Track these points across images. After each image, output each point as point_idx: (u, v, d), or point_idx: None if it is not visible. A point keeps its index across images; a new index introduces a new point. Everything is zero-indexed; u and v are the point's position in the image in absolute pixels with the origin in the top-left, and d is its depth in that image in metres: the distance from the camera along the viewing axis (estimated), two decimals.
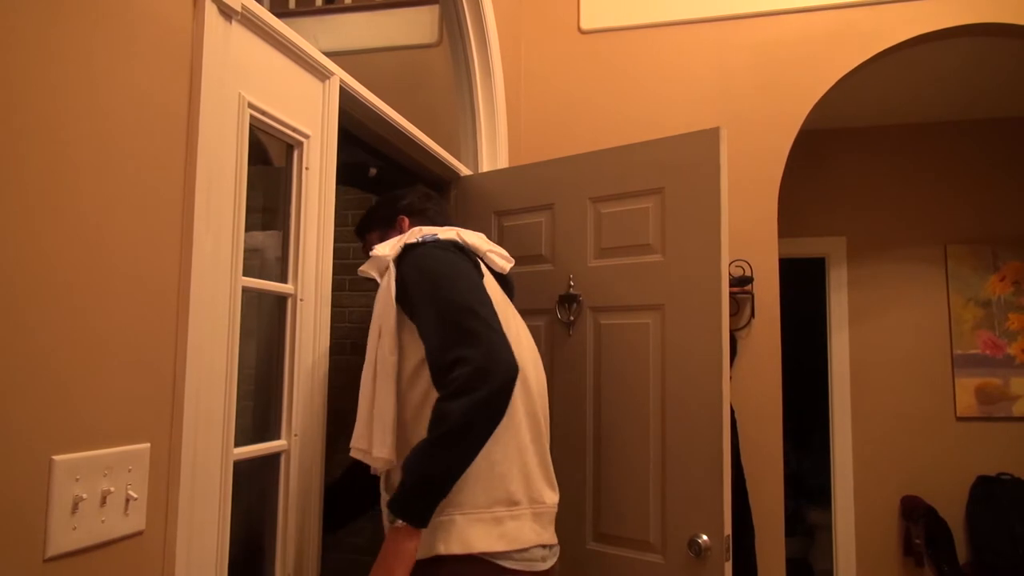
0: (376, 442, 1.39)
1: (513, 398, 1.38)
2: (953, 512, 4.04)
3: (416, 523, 1.26)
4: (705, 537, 1.80)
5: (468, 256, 1.53)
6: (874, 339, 4.29)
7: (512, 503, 1.39)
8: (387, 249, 1.52)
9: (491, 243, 1.63)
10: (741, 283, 2.61)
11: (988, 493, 4.02)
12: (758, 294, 2.63)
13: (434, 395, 1.34)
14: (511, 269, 1.66)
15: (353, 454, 1.44)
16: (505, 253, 1.64)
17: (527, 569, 1.39)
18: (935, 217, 4.33)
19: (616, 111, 2.85)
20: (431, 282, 1.41)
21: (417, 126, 2.05)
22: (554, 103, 2.94)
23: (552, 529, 1.49)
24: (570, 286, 2.12)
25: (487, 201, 2.35)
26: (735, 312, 2.63)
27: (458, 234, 1.54)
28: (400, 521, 1.26)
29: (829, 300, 4.38)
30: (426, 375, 1.39)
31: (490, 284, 1.52)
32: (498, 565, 1.36)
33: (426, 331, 1.38)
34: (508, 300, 1.59)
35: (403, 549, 1.25)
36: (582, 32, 2.94)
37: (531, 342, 1.60)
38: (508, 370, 1.29)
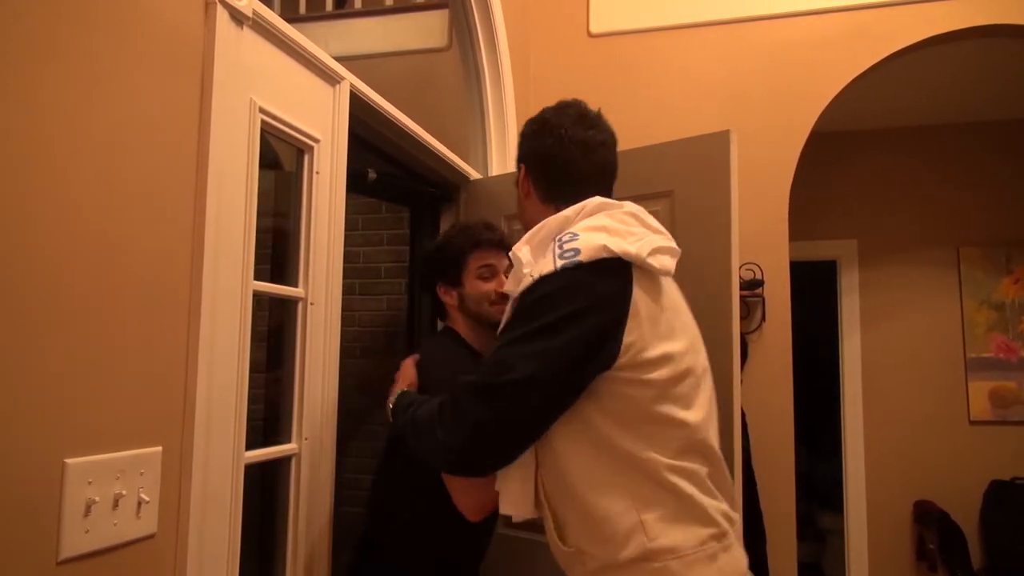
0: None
1: (683, 417, 1.19)
2: (967, 517, 4.00)
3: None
4: None
5: (616, 276, 1.17)
6: (886, 342, 4.26)
7: (721, 535, 1.20)
8: (528, 264, 1.24)
9: (655, 234, 1.24)
10: (752, 286, 2.60)
11: (1002, 497, 3.98)
12: (769, 297, 2.62)
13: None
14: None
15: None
16: (672, 244, 1.26)
17: None
18: (947, 220, 4.29)
19: (626, 114, 2.84)
20: (528, 325, 1.16)
21: (426, 130, 2.06)
22: None
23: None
24: None
25: (497, 205, 2.35)
26: (746, 315, 2.62)
27: (605, 246, 1.16)
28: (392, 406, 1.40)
29: (840, 303, 4.36)
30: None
31: (644, 298, 1.18)
32: None
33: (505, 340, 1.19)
34: (677, 304, 1.29)
35: None
36: (591, 36, 2.94)
37: (698, 338, 1.31)
38: (462, 465, 1.21)
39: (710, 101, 2.75)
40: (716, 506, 1.20)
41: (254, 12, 1.26)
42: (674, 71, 2.82)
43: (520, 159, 1.42)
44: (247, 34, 1.26)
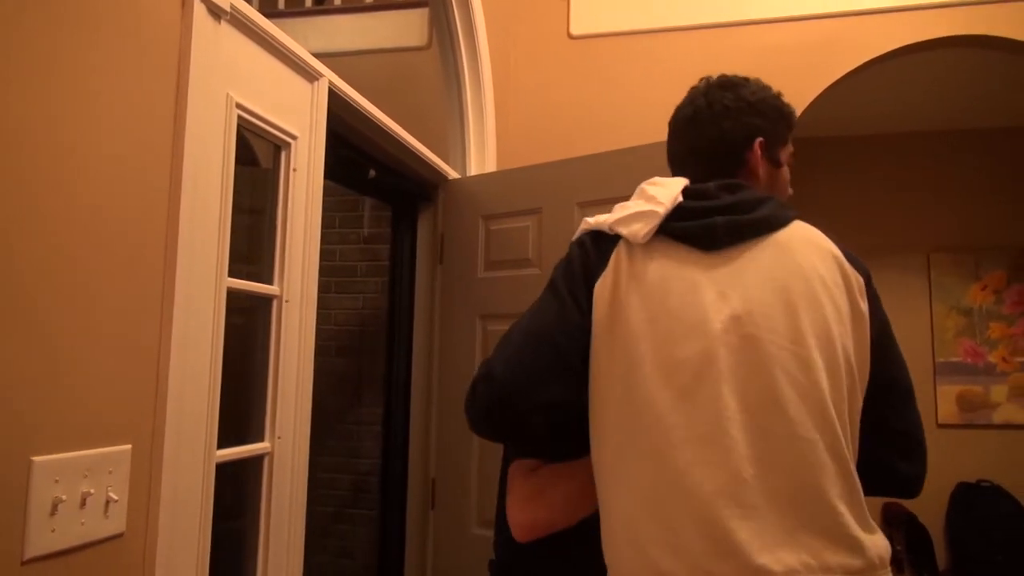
0: None
1: (647, 402, 0.99)
2: (934, 519, 4.07)
3: None
4: None
5: (595, 245, 1.12)
6: None
7: (659, 573, 0.94)
8: None
9: (647, 202, 1.10)
10: None
11: (968, 500, 4.06)
12: None
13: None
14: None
15: None
16: (650, 208, 1.09)
17: None
18: (918, 226, 4.37)
19: (605, 116, 2.86)
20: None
21: (405, 129, 2.05)
22: (543, 107, 2.94)
23: None
24: None
25: (474, 204, 2.35)
26: None
27: (585, 219, 1.17)
28: None
29: None
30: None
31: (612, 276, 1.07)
32: None
33: None
34: (674, 280, 1.05)
35: None
36: (572, 37, 2.95)
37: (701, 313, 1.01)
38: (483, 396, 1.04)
39: None
40: (667, 541, 0.94)
41: (232, 7, 1.25)
42: (653, 74, 2.83)
43: None
44: (225, 29, 1.25)
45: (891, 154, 4.45)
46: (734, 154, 1.19)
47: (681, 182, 1.12)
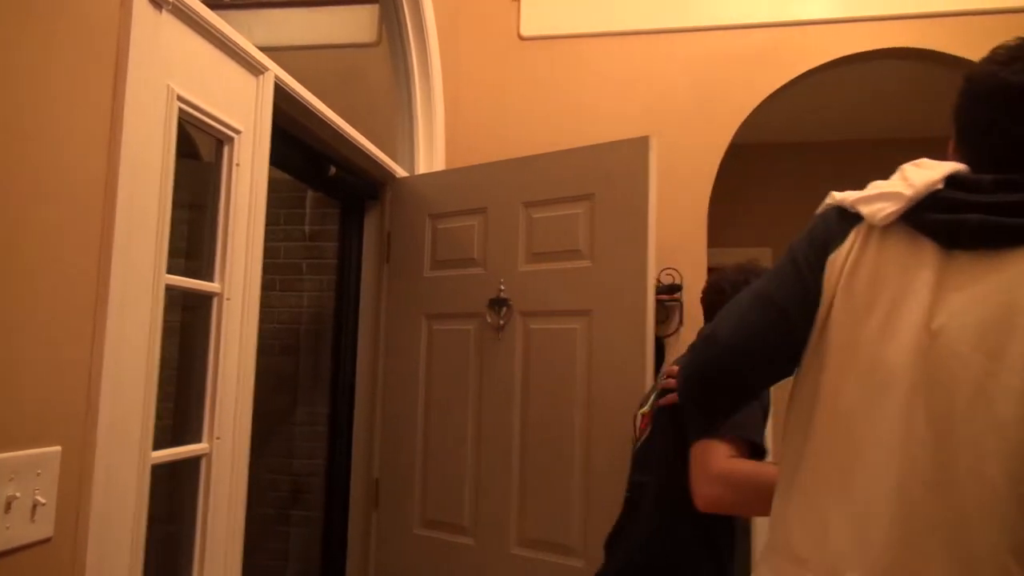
0: None
1: (837, 402, 0.94)
2: None
3: None
4: None
5: (838, 219, 1.04)
6: None
7: (797, 559, 0.95)
8: None
9: (901, 181, 0.97)
10: (670, 291, 2.67)
11: None
12: (687, 302, 2.69)
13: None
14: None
15: None
16: (899, 190, 0.95)
17: None
18: None
19: (553, 117, 2.88)
20: None
21: (354, 126, 2.03)
22: (492, 107, 2.95)
23: None
24: (500, 290, 2.13)
25: (422, 203, 2.35)
26: (664, 319, 2.69)
27: (832, 193, 1.10)
28: None
29: None
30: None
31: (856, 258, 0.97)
32: None
33: None
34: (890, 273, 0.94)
35: None
36: (522, 39, 2.96)
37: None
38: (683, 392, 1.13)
39: (635, 108, 2.81)
40: (814, 529, 0.93)
41: None
42: (601, 77, 2.86)
43: None
44: (166, 19, 1.22)
45: (830, 161, 4.59)
46: None
47: (948, 167, 0.95)
